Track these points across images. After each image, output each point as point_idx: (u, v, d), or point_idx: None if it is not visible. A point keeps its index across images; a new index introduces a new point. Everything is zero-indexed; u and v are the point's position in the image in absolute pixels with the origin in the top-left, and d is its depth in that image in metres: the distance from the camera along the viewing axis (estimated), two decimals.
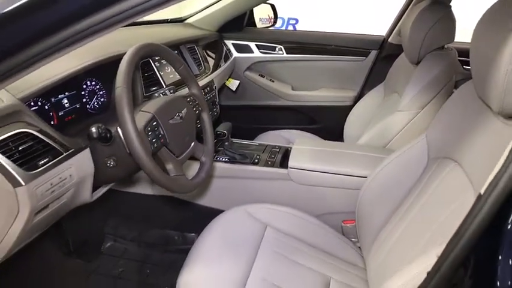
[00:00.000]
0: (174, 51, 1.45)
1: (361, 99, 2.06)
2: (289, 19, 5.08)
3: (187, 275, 1.08)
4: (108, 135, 0.99)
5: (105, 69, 1.22)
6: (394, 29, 2.12)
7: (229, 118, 1.85)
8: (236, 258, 1.14)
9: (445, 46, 1.59)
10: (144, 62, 1.39)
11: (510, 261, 0.51)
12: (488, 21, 0.82)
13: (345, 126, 2.07)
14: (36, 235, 1.06)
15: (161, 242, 1.63)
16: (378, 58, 2.16)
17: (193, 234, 1.63)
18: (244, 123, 2.29)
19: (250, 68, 2.29)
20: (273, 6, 2.33)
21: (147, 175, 0.94)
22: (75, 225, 1.54)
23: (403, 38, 1.65)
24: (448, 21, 1.51)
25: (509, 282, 0.52)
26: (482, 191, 0.54)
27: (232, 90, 2.21)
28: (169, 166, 1.03)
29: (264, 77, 2.30)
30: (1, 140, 0.83)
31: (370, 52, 2.16)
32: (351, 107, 2.10)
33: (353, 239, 1.40)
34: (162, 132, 1.00)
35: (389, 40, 2.14)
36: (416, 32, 1.53)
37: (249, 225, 1.27)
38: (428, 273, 0.63)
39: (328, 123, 2.28)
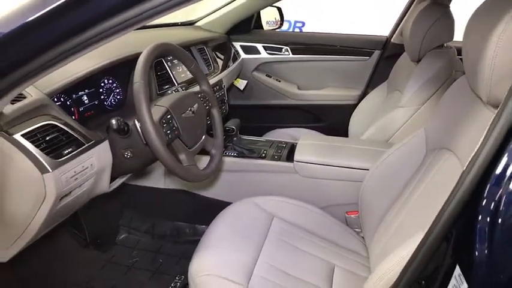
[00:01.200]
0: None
1: (365, 98, 2.13)
2: (295, 22, 5.16)
3: (199, 259, 1.15)
4: (125, 128, 1.07)
5: (121, 69, 1.31)
6: (396, 30, 2.19)
7: (237, 117, 1.91)
8: (245, 245, 1.21)
9: (445, 45, 1.65)
10: (157, 62, 1.47)
11: (486, 231, 0.57)
12: (477, 19, 0.88)
13: (349, 124, 2.13)
14: (59, 221, 1.14)
15: (173, 234, 1.71)
16: (381, 58, 2.23)
17: (203, 226, 1.71)
18: (252, 121, 2.36)
19: (257, 69, 2.37)
20: (279, 9, 2.41)
21: (162, 164, 1.01)
22: (91, 218, 1.62)
23: (405, 37, 1.71)
24: (447, 21, 1.58)
25: (486, 251, 0.57)
26: (464, 168, 0.61)
27: (240, 89, 2.29)
28: (182, 156, 1.10)
29: (271, 77, 2.38)
30: (30, 130, 0.91)
31: (373, 52, 2.23)
32: (355, 106, 2.16)
33: (356, 229, 1.46)
34: (175, 124, 1.08)
35: (392, 40, 2.20)
36: (417, 31, 1.59)
37: (257, 215, 1.34)
38: (415, 249, 0.69)
39: (333, 122, 2.35)
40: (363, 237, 1.38)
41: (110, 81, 1.33)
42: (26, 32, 0.66)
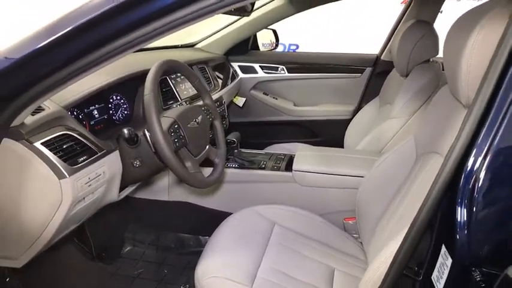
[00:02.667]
0: None
1: (359, 112, 2.23)
2: (290, 45, 5.35)
3: (205, 263, 1.20)
4: (135, 138, 1.15)
5: (128, 86, 1.40)
6: (385, 47, 2.31)
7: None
8: (248, 250, 1.26)
9: (431, 60, 1.76)
10: (162, 80, 1.56)
11: (464, 214, 0.65)
12: (454, 30, 0.98)
13: (345, 137, 2.22)
14: (69, 229, 1.19)
15: (177, 245, 1.76)
16: (372, 74, 2.34)
17: (206, 237, 1.76)
18: (251, 138, 2.44)
19: (255, 87, 2.48)
20: (274, 32, 2.54)
21: (170, 169, 1.09)
22: (97, 231, 1.67)
23: (393, 53, 1.82)
24: (431, 37, 1.69)
25: (466, 232, 0.65)
26: (444, 155, 0.69)
27: (239, 106, 2.38)
28: (188, 164, 1.18)
29: (268, 95, 2.48)
30: (48, 139, 0.99)
31: (365, 69, 2.34)
32: (349, 120, 2.26)
33: (354, 235, 1.51)
34: (182, 133, 1.16)
35: (381, 57, 2.32)
36: (404, 47, 1.71)
37: (258, 223, 1.40)
38: (403, 237, 0.76)
39: (329, 136, 2.43)
40: (361, 242, 1.43)
41: (118, 97, 1.42)
42: (39, 55, 0.77)
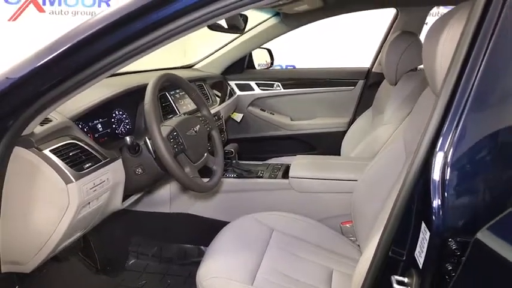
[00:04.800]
0: None
1: (353, 124, 2.30)
2: (286, 66, 5.49)
3: (206, 265, 1.24)
4: (137, 147, 1.22)
5: (129, 101, 1.49)
6: (376, 60, 2.41)
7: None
8: (248, 252, 1.31)
9: (418, 68, 1.85)
10: (162, 95, 1.65)
11: (439, 194, 0.70)
12: (430, 31, 1.07)
13: (341, 148, 2.28)
14: (75, 236, 1.24)
15: (179, 257, 1.79)
16: (365, 86, 2.43)
17: (208, 247, 1.79)
18: (250, 153, 2.50)
19: (252, 104, 2.56)
20: (269, 51, 2.66)
21: (170, 173, 1.15)
22: (101, 245, 1.72)
23: (382, 64, 1.91)
24: (417, 47, 1.78)
25: (441, 221, 0.70)
26: (413, 149, 0.75)
27: (237, 121, 2.46)
28: (187, 169, 1.24)
29: (265, 111, 2.57)
30: (56, 147, 1.06)
31: (357, 82, 2.44)
32: (345, 132, 2.33)
33: (352, 238, 1.55)
34: (181, 140, 1.23)
35: (373, 70, 2.42)
36: (392, 57, 1.80)
37: (257, 229, 1.45)
38: (386, 220, 0.81)
39: (325, 148, 2.49)
40: (358, 245, 1.47)
41: (121, 112, 1.50)
42: (41, 72, 0.86)
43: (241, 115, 2.46)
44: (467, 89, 0.69)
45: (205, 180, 1.45)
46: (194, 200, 1.74)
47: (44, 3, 3.98)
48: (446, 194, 0.69)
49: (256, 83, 2.54)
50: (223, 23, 1.53)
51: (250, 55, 2.60)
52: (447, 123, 0.70)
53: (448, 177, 0.69)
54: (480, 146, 0.70)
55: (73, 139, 1.12)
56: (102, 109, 1.34)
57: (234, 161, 1.72)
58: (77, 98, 1.19)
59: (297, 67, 5.40)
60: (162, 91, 1.63)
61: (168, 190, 1.75)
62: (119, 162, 1.24)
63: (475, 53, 0.69)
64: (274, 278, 1.23)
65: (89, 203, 1.15)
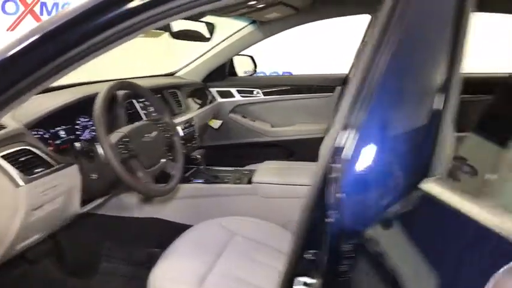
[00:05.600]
0: (158, 95, 1.78)
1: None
2: (283, 72, 5.54)
3: (160, 266, 1.28)
4: (90, 153, 1.27)
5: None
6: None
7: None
8: (202, 257, 1.33)
9: None
10: (129, 102, 1.69)
11: (334, 198, 0.73)
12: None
13: (319, 154, 2.29)
14: (34, 238, 1.29)
15: (148, 260, 1.82)
16: (342, 92, 2.45)
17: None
18: (232, 159, 2.54)
19: (234, 111, 2.60)
20: (252, 58, 2.71)
21: (118, 177, 1.19)
22: (73, 248, 1.77)
23: None
24: None
25: (338, 219, 0.72)
26: None
27: (214, 128, 2.50)
28: (140, 174, 1.29)
29: (246, 117, 2.60)
30: (7, 153, 1.11)
31: (335, 88, 2.46)
32: (324, 138, 2.34)
33: None
34: (132, 146, 1.28)
35: (350, 75, 2.44)
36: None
37: (217, 233, 1.47)
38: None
39: (305, 154, 2.50)
40: None
41: (86, 119, 1.54)
42: None
43: (220, 122, 2.50)
44: (363, 90, 0.72)
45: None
46: (162, 205, 1.78)
47: (42, 13, 4.10)
48: (342, 190, 0.72)
49: (237, 90, 2.58)
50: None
51: (232, 62, 2.64)
52: (349, 119, 0.73)
53: (343, 174, 0.72)
54: (375, 144, 0.72)
55: (26, 145, 1.17)
56: (65, 116, 1.39)
57: (202, 167, 1.76)
58: (35, 105, 1.26)
59: (294, 73, 5.47)
60: (129, 99, 1.67)
61: (135, 195, 1.79)
62: (74, 167, 1.28)
63: (375, 54, 0.71)
64: (226, 281, 1.26)
65: (42, 206, 1.19)
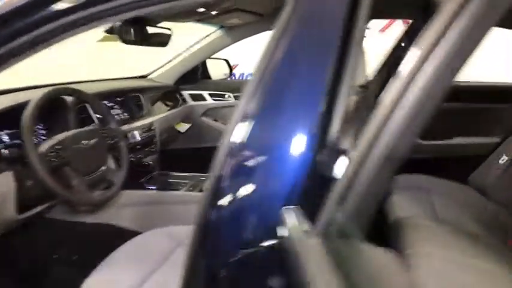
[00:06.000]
0: (120, 99, 1.76)
1: None
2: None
3: (90, 280, 1.25)
4: (25, 159, 1.24)
5: (46, 112, 1.50)
6: None
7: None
8: (138, 267, 1.30)
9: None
10: (81, 107, 1.66)
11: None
12: None
13: None
14: None
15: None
16: None
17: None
18: (200, 163, 2.50)
19: (205, 114, 2.58)
20: (227, 61, 2.69)
21: (45, 185, 1.17)
22: (23, 254, 1.74)
23: None
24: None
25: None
26: None
27: (180, 131, 2.48)
28: (74, 182, 1.26)
29: (217, 121, 2.58)
30: None
31: None
32: None
33: None
34: (64, 154, 1.25)
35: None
36: None
37: (162, 242, 1.43)
38: None
39: None
40: None
41: (41, 125, 1.51)
42: None
43: (187, 125, 2.48)
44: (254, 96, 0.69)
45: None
46: (116, 211, 1.75)
47: None
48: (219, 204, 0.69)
49: (209, 93, 2.56)
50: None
51: (205, 66, 2.62)
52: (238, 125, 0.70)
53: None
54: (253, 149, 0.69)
55: None
56: (9, 120, 1.36)
57: (155, 172, 1.73)
58: None
59: None
60: (81, 103, 1.64)
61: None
62: (6, 174, 1.26)
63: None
64: None
65: None
